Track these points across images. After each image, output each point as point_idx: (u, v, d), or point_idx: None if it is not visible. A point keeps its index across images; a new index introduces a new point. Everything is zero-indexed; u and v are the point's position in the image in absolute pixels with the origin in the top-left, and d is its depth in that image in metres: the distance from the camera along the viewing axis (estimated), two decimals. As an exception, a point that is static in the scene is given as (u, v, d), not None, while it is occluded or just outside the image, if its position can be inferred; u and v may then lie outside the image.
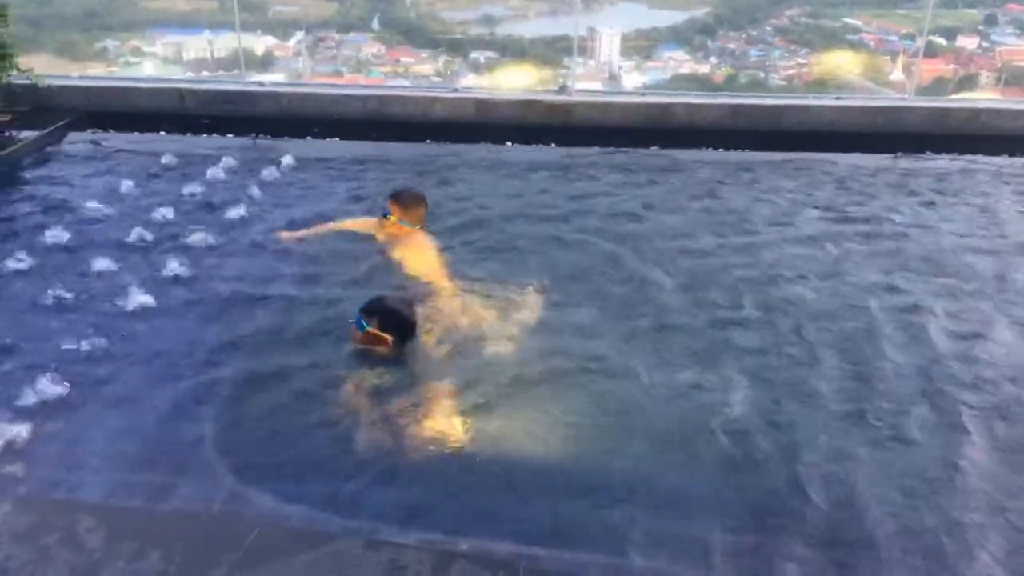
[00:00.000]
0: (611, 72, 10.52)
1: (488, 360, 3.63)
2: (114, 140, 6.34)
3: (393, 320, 3.55)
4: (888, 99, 7.54)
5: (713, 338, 3.87)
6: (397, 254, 4.46)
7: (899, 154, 6.49)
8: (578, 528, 2.77)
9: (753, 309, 4.14)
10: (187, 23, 10.61)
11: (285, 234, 4.74)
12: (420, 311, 3.79)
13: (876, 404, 3.42)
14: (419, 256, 4.45)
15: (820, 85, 9.90)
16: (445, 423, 3.24)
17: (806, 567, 2.61)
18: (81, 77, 7.23)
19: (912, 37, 9.50)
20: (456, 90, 6.95)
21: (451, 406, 3.32)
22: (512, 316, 3.98)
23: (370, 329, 3.51)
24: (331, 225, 4.83)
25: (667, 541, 2.72)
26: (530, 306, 4.06)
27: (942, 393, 3.51)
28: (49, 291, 3.98)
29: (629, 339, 3.85)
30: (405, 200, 4.66)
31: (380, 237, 4.61)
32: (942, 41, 9.96)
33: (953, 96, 8.41)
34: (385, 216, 4.62)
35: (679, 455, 3.13)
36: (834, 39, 10.98)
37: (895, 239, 4.99)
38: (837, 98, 7.03)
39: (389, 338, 3.53)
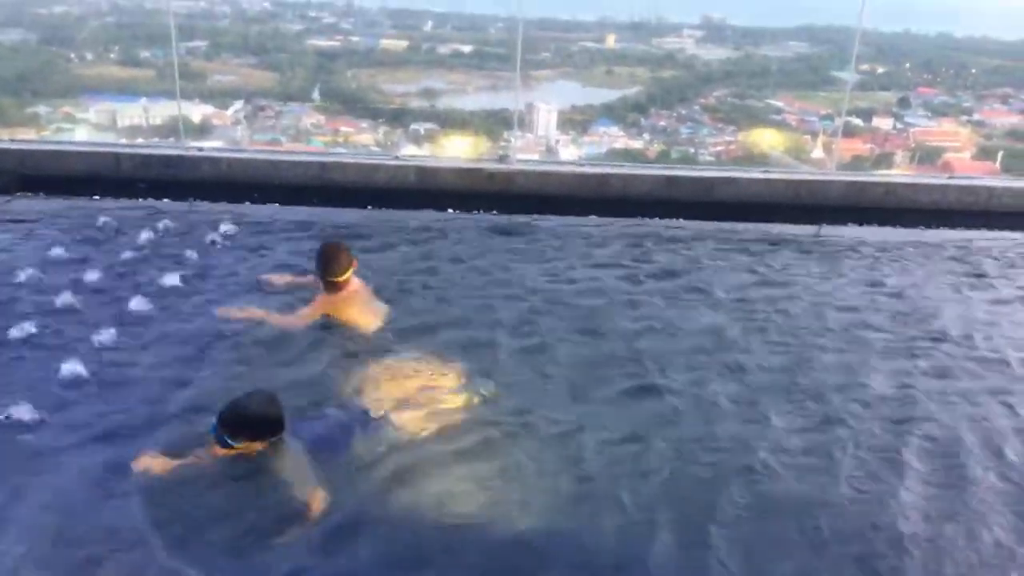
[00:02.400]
0: (548, 145, 10.82)
1: (422, 426, 3.58)
2: (47, 204, 6.19)
3: (257, 424, 3.23)
4: (812, 173, 7.92)
5: (656, 403, 3.94)
6: (341, 314, 4.41)
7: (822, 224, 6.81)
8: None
9: (692, 376, 4.23)
10: (123, 90, 10.55)
11: (227, 310, 4.53)
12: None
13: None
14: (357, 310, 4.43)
15: (746, 161, 10.37)
16: (380, 490, 3.19)
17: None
18: (12, 140, 7.07)
19: (831, 117, 10.08)
20: (397, 157, 7.03)
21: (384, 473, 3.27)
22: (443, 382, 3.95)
23: (237, 446, 3.19)
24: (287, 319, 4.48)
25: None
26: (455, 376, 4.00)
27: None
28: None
29: (565, 405, 3.87)
30: (325, 259, 4.43)
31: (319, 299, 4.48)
32: (859, 122, 10.60)
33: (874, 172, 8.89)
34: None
35: (625, 522, 3.13)
36: (758, 118, 11.58)
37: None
38: (765, 171, 7.35)
39: (260, 445, 3.24)
